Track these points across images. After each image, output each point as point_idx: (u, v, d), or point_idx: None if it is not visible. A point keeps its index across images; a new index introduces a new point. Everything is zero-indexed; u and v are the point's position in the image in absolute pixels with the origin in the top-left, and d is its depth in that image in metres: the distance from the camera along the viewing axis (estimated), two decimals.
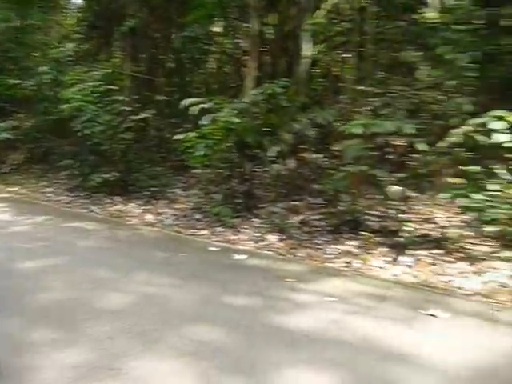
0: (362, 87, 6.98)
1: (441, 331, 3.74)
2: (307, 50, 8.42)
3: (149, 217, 7.24)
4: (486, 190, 5.01)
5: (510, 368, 3.24)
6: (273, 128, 6.79)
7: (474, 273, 4.78)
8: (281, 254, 5.59)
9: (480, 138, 4.89)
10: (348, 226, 5.89)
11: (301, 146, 7.75)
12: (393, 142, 6.94)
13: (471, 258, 4.99)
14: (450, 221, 5.71)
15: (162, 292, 4.40)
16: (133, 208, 7.71)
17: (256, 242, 5.98)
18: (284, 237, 5.99)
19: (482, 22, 7.74)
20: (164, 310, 4.03)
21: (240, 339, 3.55)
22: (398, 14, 8.24)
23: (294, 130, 6.60)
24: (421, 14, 8.30)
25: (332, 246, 5.62)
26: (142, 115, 8.48)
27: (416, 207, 6.15)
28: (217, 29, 10.94)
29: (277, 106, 6.70)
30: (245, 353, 3.35)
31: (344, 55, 8.95)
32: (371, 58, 7.72)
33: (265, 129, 6.76)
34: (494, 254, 5.01)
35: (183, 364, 3.21)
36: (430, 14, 8.12)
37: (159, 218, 7.16)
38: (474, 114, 5.46)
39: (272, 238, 6.02)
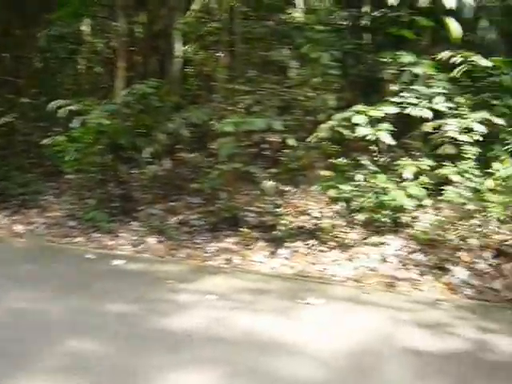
0: (234, 86, 7.08)
1: (316, 318, 3.90)
2: (179, 49, 8.38)
3: (18, 227, 6.77)
4: (353, 181, 5.32)
5: (381, 345, 3.45)
6: (147, 129, 6.67)
7: (346, 259, 5.05)
8: (160, 256, 5.50)
9: (345, 131, 5.18)
10: (227, 223, 5.95)
11: (177, 146, 7.70)
12: (268, 139, 7.15)
13: (343, 246, 5.26)
14: (322, 212, 5.96)
15: (33, 307, 4.10)
16: (0, 219, 7.17)
17: (135, 245, 5.83)
18: (163, 238, 5.90)
19: (344, 22, 8.20)
20: (35, 326, 3.76)
21: (120, 347, 3.41)
22: (267, 14, 8.48)
23: (168, 130, 6.52)
24: (288, 14, 8.61)
25: (212, 244, 5.64)
26: (4, 119, 7.91)
27: (291, 201, 6.35)
28: (85, 27, 10.51)
29: (149, 107, 6.59)
30: (125, 361, 3.24)
31: (216, 54, 9.01)
32: (242, 57, 7.86)
33: (138, 130, 6.62)
34: (363, 241, 5.31)
35: (57, 381, 3.03)
36: (297, 15, 8.45)
37: (30, 227, 6.72)
38: (339, 110, 5.77)
39: (151, 240, 5.90)
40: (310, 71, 6.23)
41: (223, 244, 5.61)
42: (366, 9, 7.68)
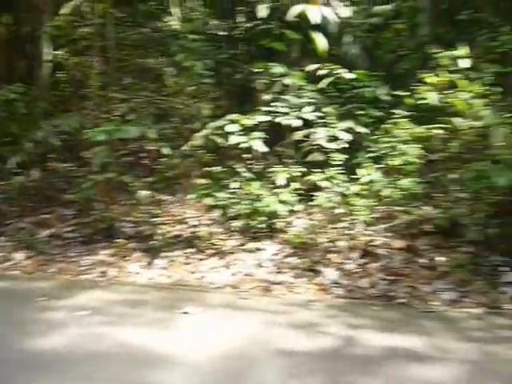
0: (109, 93, 6.89)
1: (194, 327, 3.89)
2: (49, 53, 7.99)
3: None
4: (229, 188, 5.40)
5: (257, 349, 3.52)
6: (12, 137, 6.28)
7: (224, 266, 5.10)
8: (29, 273, 5.20)
9: (219, 140, 5.25)
10: (102, 234, 5.76)
11: (49, 156, 7.33)
12: (146, 147, 7.05)
13: (221, 253, 5.30)
14: (200, 220, 5.97)
15: None
16: None
17: (1, 262, 5.45)
18: (33, 253, 5.58)
19: (219, 32, 8.33)
20: None
21: None
22: (143, 21, 8.36)
23: (36, 139, 6.19)
24: (165, 22, 8.55)
25: (86, 258, 5.43)
26: None
27: (169, 210, 6.30)
28: None
29: (15, 114, 6.21)
30: None
31: (89, 60, 8.70)
32: (117, 64, 7.66)
33: (3, 138, 6.21)
34: (240, 247, 5.38)
35: None
36: (173, 23, 8.42)
37: None
38: (215, 118, 5.84)
39: (19, 256, 5.55)
40: (185, 80, 6.25)
41: (98, 256, 5.43)
42: (240, 20, 7.87)
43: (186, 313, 4.10)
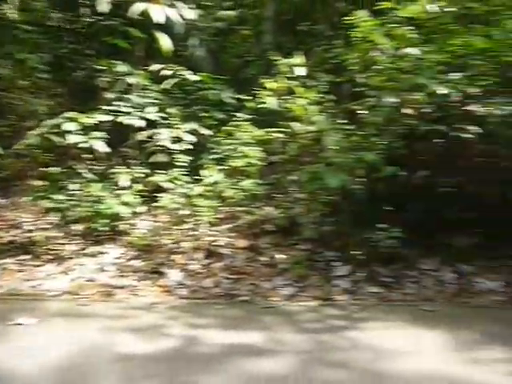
0: None
1: (29, 339, 3.62)
2: None
3: None
4: (68, 190, 5.13)
5: (94, 356, 3.39)
6: None
7: (63, 272, 4.83)
8: None
9: (56, 139, 4.97)
10: None
11: None
12: None
13: (59, 259, 5.02)
14: (36, 224, 5.60)
15: None
16: None
17: None
18: None
19: (60, 24, 7.90)
20: None
21: None
22: None
23: None
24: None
25: None
26: None
27: (1, 214, 5.82)
28: None
29: None
30: None
31: None
32: None
33: None
34: (81, 252, 5.15)
35: None
36: (8, 11, 7.82)
37: None
38: (55, 116, 5.52)
39: None
40: (18, 73, 5.82)
41: None
42: (83, 13, 7.53)
43: (19, 324, 3.81)
